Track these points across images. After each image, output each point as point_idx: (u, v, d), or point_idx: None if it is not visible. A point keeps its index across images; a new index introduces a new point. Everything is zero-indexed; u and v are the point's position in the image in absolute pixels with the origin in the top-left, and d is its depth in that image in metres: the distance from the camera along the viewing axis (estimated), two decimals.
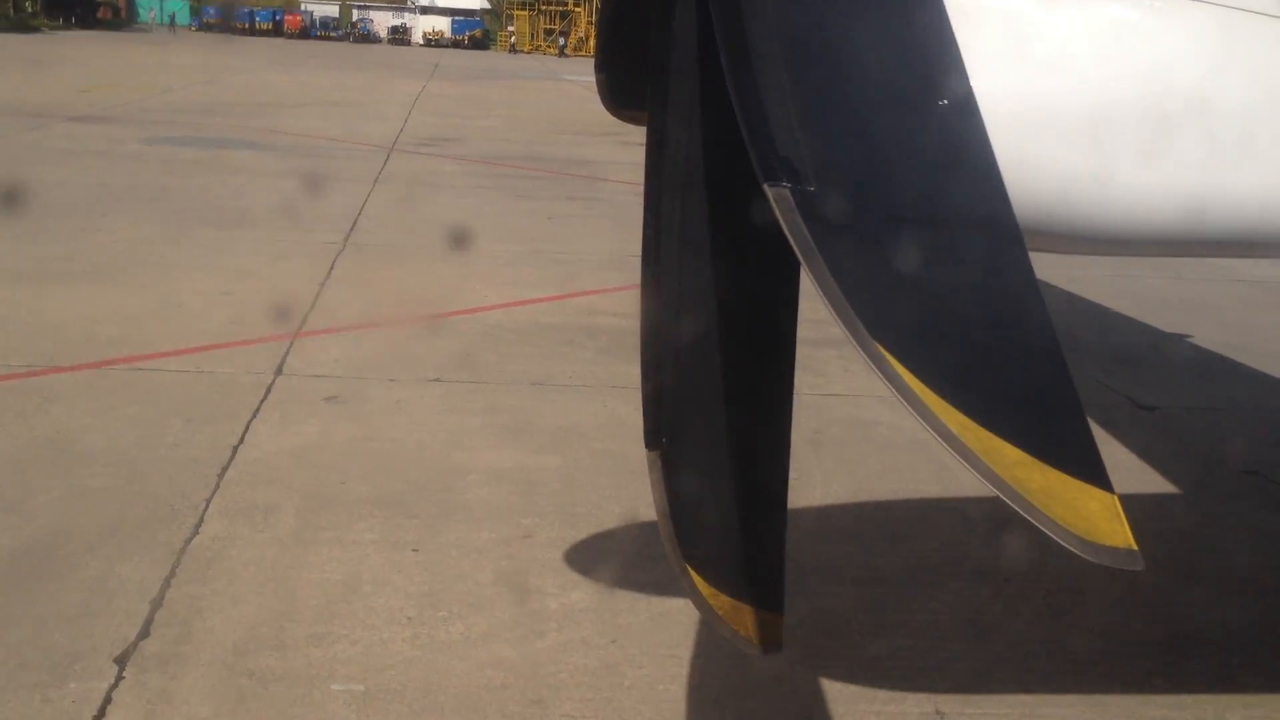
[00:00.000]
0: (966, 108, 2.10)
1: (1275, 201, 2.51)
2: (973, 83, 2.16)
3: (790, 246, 1.93)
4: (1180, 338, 9.01)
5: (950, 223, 2.06)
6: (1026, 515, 1.75)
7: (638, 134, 3.16)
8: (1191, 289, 10.20)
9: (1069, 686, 4.05)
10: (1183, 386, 7.84)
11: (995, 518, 4.67)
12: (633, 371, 2.91)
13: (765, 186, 1.92)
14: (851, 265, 1.89)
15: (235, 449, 5.58)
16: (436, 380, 6.78)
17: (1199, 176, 2.48)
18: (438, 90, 24.15)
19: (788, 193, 1.90)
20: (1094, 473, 1.83)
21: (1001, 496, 1.77)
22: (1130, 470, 6.06)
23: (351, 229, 10.70)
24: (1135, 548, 1.76)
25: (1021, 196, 2.19)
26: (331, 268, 9.21)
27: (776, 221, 1.94)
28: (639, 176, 2.77)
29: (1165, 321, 9.28)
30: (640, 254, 2.65)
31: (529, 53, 50.55)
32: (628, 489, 5.28)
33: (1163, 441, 6.66)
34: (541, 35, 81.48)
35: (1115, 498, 1.80)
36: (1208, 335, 8.93)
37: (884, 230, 2.02)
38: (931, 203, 2.07)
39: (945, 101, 2.10)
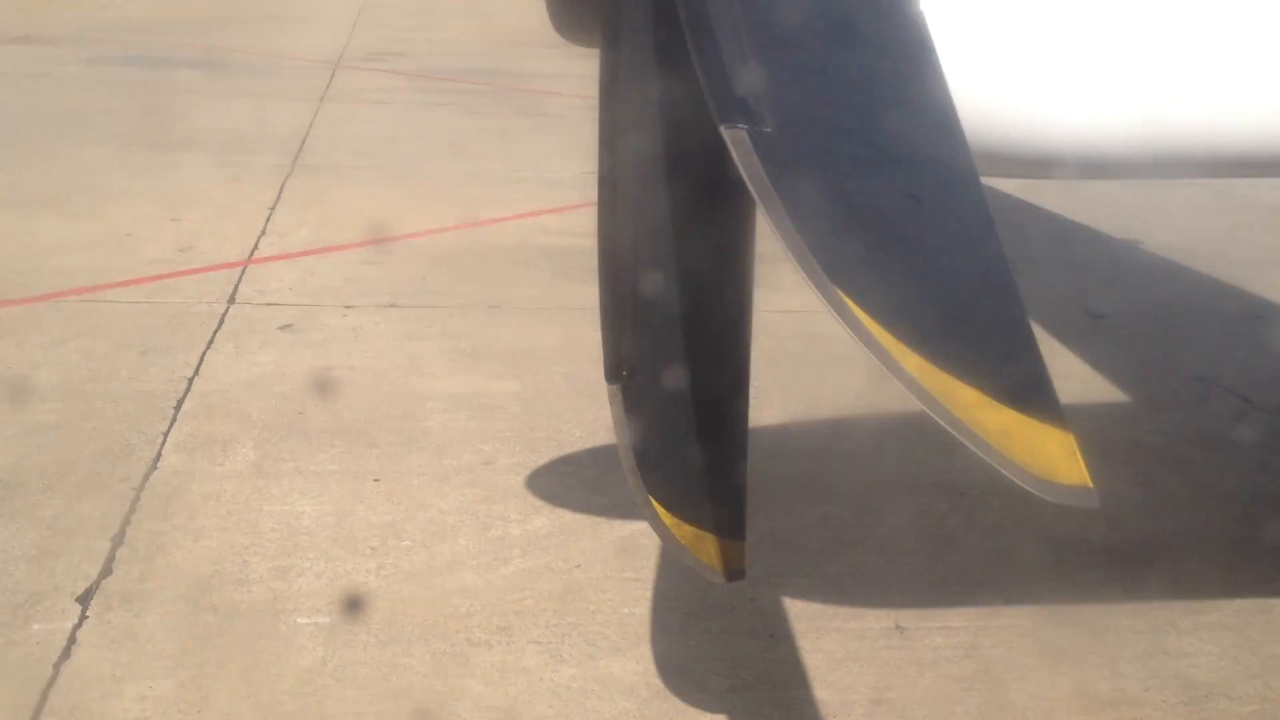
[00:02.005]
0: (921, 42, 2.08)
1: (1226, 123, 2.52)
2: (927, 14, 2.14)
3: (747, 187, 1.91)
4: (1131, 243, 9.08)
5: (906, 163, 2.05)
6: (985, 457, 1.77)
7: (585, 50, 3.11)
8: (1141, 193, 10.22)
9: (1026, 597, 4.13)
10: (1134, 293, 7.92)
11: (950, 432, 4.72)
12: (589, 292, 2.90)
13: (721, 128, 1.90)
14: (809, 208, 1.88)
15: (190, 381, 5.52)
16: (392, 305, 6.73)
17: (1152, 100, 2.48)
18: (381, 0, 23.61)
19: (744, 134, 1.88)
20: (1050, 412, 1.85)
21: (960, 438, 1.78)
22: (1083, 379, 6.14)
23: (299, 150, 10.51)
24: (1091, 485, 1.79)
25: (978, 125, 2.19)
26: (280, 191, 9.05)
27: (733, 162, 1.92)
28: (589, 90, 2.73)
29: (1116, 227, 9.33)
30: (596, 183, 2.62)
31: None
32: (587, 412, 5.29)
33: (1115, 349, 6.74)
34: None
35: (1071, 436, 1.83)
36: (1158, 240, 9.00)
37: (840, 172, 2.01)
38: (888, 142, 2.06)
39: (900, 37, 2.08)
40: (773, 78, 2.02)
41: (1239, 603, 4.16)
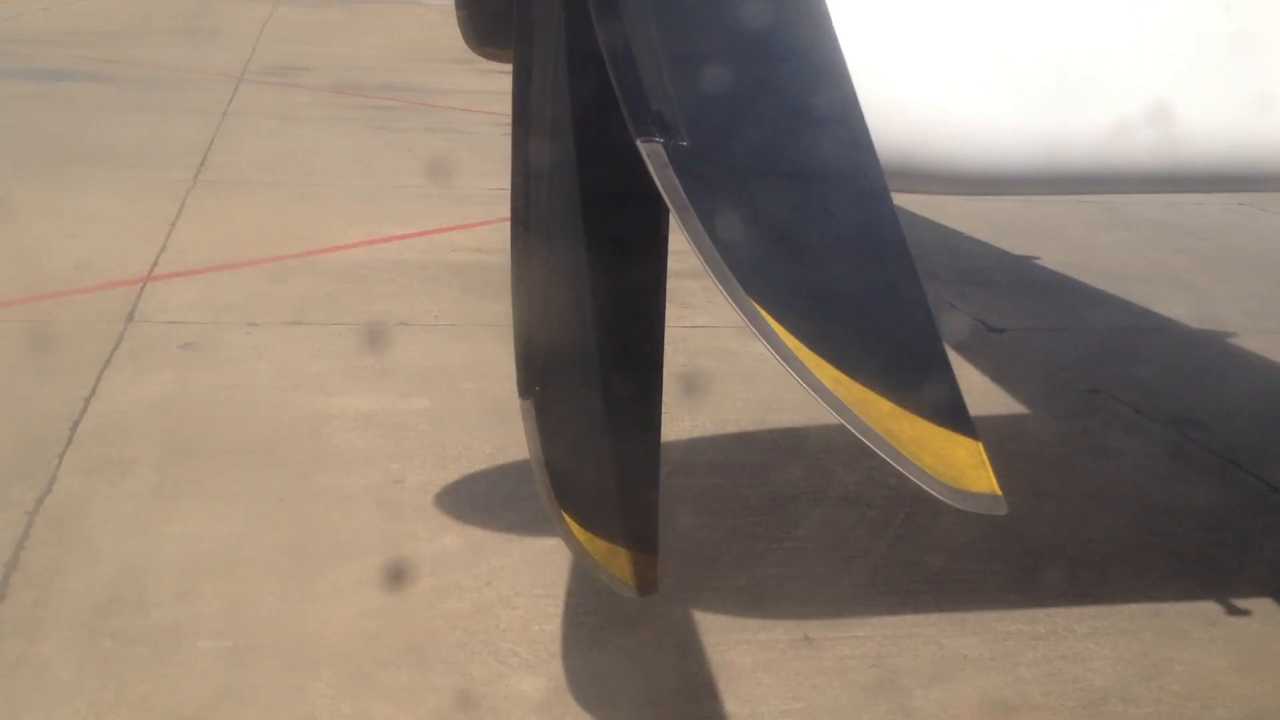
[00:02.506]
0: (833, 57, 2.12)
1: (1126, 139, 2.60)
2: (838, 30, 2.18)
3: (662, 200, 1.94)
4: (1028, 259, 9.31)
5: (819, 177, 2.09)
6: (898, 466, 1.81)
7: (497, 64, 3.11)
8: (1038, 211, 10.50)
9: (929, 605, 4.21)
10: (1031, 308, 8.12)
11: (857, 444, 4.79)
12: (498, 309, 2.90)
13: (638, 142, 1.92)
14: (725, 221, 1.91)
15: (87, 401, 5.39)
16: (297, 323, 6.64)
17: (1055, 116, 2.55)
18: (286, 15, 23.28)
19: (660, 148, 1.90)
20: (960, 421, 1.89)
21: (874, 449, 1.82)
22: (982, 391, 6.28)
23: (201, 165, 10.34)
24: (999, 493, 1.84)
25: (888, 141, 2.23)
26: (182, 207, 8.89)
27: (649, 175, 1.94)
28: (500, 107, 2.75)
29: (1013, 244, 9.56)
30: (506, 199, 2.63)
31: None
32: (498, 429, 5.27)
33: (1012, 362, 6.90)
34: None
35: (980, 445, 1.87)
36: (1054, 256, 9.25)
37: (756, 185, 2.04)
38: (801, 157, 2.10)
39: (814, 53, 2.11)
40: (688, 91, 2.05)
41: (1133, 607, 4.28)
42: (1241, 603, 4.30)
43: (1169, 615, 4.24)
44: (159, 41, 18.69)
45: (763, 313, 1.85)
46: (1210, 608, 4.29)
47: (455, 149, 12.01)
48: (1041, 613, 4.19)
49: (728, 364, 6.32)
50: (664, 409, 2.99)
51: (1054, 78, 2.53)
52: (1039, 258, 9.27)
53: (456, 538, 4.44)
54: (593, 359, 2.77)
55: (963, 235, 9.70)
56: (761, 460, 5.36)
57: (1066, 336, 7.58)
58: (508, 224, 2.64)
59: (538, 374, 2.70)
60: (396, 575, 4.16)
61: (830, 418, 1.91)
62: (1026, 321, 7.75)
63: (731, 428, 5.61)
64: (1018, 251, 9.39)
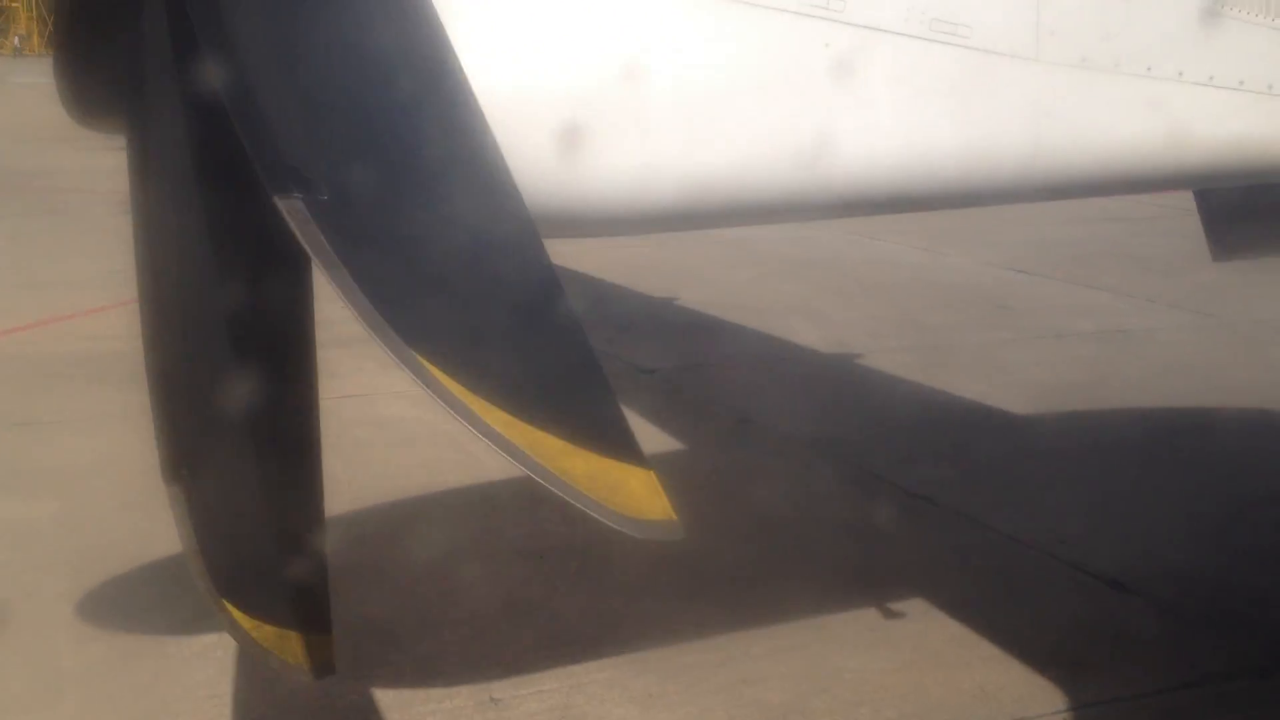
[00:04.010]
0: (468, 104, 2.10)
1: (748, 174, 2.72)
2: (470, 77, 2.16)
3: (304, 257, 1.85)
4: (668, 301, 9.69)
5: (466, 221, 2.06)
6: (574, 502, 1.80)
7: (103, 138, 2.90)
8: (673, 253, 10.91)
9: (610, 649, 4.23)
10: (676, 347, 8.43)
11: (523, 496, 4.77)
12: (130, 399, 2.69)
13: (276, 200, 1.82)
14: (377, 273, 1.85)
15: None
16: None
17: (681, 155, 2.63)
18: None
19: (300, 204, 1.82)
20: (630, 452, 1.91)
21: (548, 487, 1.80)
22: (639, 432, 6.36)
23: None
24: (675, 518, 1.86)
25: (524, 187, 2.23)
26: None
27: (290, 233, 1.85)
28: (110, 185, 2.56)
29: (653, 287, 9.91)
30: (130, 280, 2.43)
31: None
32: (139, 526, 4.86)
33: (664, 400, 7.13)
34: None
35: (652, 473, 1.90)
36: (691, 295, 9.67)
37: (404, 235, 1.99)
38: (446, 202, 2.06)
39: (446, 98, 2.09)
40: (323, 145, 1.98)
41: (801, 623, 4.47)
42: (896, 605, 4.58)
43: (834, 626, 4.46)
44: None
45: (425, 363, 1.80)
46: (870, 614, 4.54)
47: (62, 232, 11.20)
48: (718, 640, 4.30)
49: (385, 432, 6.17)
50: (324, 482, 2.86)
51: (683, 116, 2.62)
52: (678, 298, 9.66)
53: (104, 647, 4.07)
54: (243, 436, 2.60)
55: (603, 281, 9.95)
56: (430, 524, 5.23)
57: (712, 371, 7.91)
58: (130, 307, 2.45)
59: (184, 457, 2.51)
60: (36, 697, 3.76)
61: (495, 472, 1.88)
62: (673, 360, 8.04)
63: (396, 494, 5.46)
64: (658, 294, 9.74)
